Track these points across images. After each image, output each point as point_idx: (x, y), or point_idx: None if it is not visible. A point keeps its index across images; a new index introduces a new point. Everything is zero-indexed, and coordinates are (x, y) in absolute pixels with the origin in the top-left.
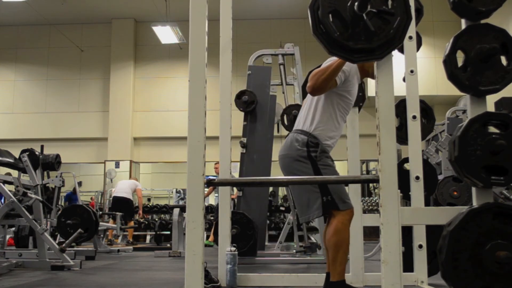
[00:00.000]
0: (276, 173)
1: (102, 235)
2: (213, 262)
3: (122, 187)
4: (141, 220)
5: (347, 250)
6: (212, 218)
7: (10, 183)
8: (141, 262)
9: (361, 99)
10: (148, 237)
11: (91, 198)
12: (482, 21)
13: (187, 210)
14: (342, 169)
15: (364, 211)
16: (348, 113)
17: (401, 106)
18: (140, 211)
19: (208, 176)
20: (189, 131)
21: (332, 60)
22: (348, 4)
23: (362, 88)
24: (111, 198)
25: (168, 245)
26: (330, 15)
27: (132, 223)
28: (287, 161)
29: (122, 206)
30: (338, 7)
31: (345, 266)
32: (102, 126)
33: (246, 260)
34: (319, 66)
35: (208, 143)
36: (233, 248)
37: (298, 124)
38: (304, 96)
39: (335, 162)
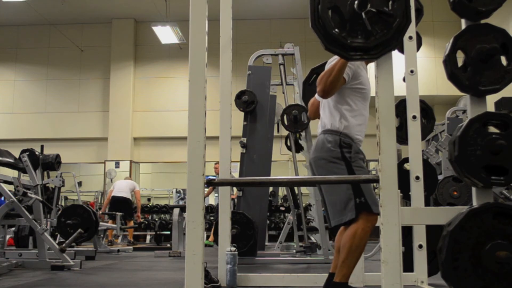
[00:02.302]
0: (276, 173)
1: (102, 235)
2: (213, 262)
3: (121, 187)
4: (141, 220)
5: (360, 256)
6: (212, 218)
7: (10, 183)
8: (141, 262)
9: None
10: (148, 237)
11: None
12: (482, 21)
13: (187, 210)
14: None
15: None
16: (369, 101)
17: (401, 106)
18: (139, 213)
19: (208, 176)
20: (189, 131)
21: (335, 59)
22: (349, 1)
23: None
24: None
25: (168, 245)
26: (330, 11)
27: (132, 223)
28: (322, 163)
29: (122, 206)
30: (338, 3)
31: (352, 270)
32: (102, 126)
33: (246, 260)
34: (321, 65)
35: (208, 143)
36: (233, 248)
37: (325, 125)
38: (304, 93)
39: None
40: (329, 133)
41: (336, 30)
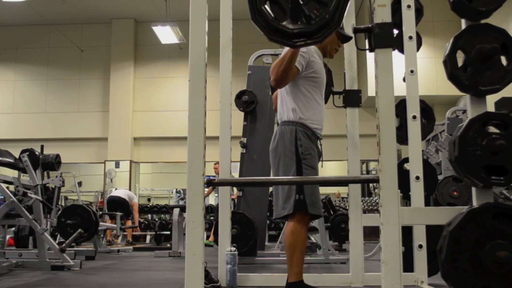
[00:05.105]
0: None
1: (102, 235)
2: (213, 262)
3: (118, 191)
4: (139, 233)
5: (303, 251)
6: (212, 218)
7: (10, 183)
8: (141, 262)
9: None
10: (148, 237)
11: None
12: (482, 21)
13: (187, 210)
14: (342, 169)
15: (364, 211)
16: (324, 89)
17: (401, 106)
18: (138, 229)
19: (208, 176)
20: (189, 131)
21: (287, 49)
22: None
23: (330, 74)
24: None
25: (168, 245)
26: (268, 2)
27: (130, 223)
28: (275, 155)
29: (118, 206)
30: None
31: (302, 266)
32: (102, 126)
33: (246, 260)
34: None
35: (208, 143)
36: (233, 248)
37: (281, 117)
38: (272, 89)
39: (335, 162)
40: (286, 124)
41: (277, 20)
